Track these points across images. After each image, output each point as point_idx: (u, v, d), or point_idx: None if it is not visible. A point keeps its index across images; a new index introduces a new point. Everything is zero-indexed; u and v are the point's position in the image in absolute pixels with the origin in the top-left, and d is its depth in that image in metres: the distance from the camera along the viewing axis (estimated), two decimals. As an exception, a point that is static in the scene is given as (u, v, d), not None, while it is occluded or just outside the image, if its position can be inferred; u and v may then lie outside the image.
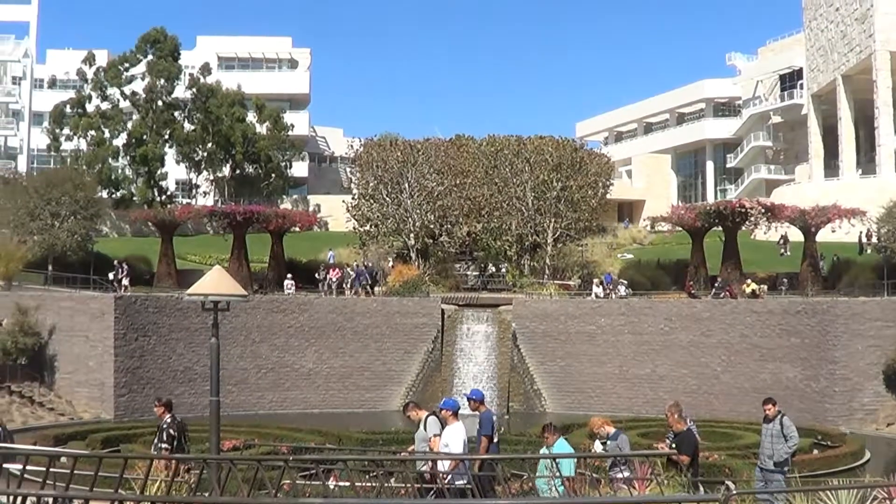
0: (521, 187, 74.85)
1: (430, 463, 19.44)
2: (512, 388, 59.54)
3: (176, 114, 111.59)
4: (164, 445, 22.39)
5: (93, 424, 48.06)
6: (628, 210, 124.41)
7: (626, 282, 67.71)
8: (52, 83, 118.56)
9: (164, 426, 22.69)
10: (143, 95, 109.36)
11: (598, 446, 23.34)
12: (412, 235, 74.51)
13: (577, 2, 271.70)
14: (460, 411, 20.37)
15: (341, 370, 61.18)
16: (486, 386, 59.06)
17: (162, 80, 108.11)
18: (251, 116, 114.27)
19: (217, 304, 20.01)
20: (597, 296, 65.08)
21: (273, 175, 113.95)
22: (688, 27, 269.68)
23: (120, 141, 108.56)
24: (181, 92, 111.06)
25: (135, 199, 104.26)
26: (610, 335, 60.11)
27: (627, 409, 56.09)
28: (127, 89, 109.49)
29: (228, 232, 75.68)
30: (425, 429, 20.12)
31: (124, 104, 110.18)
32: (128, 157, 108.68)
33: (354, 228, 79.24)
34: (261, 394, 59.26)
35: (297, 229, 79.59)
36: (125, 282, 65.64)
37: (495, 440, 21.01)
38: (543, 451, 20.29)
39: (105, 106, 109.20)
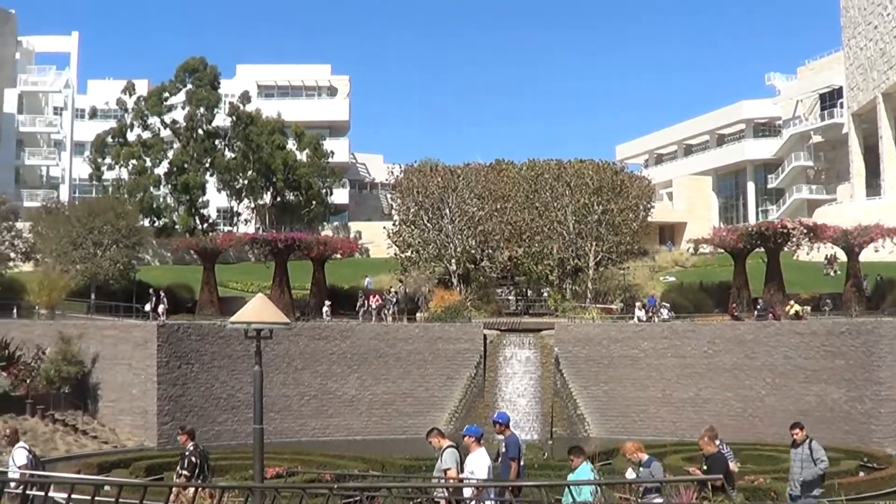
0: (561, 211, 74.69)
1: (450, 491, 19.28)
2: (555, 412, 59.19)
3: (216, 142, 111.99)
4: (184, 472, 22.68)
5: (136, 452, 48.07)
6: (670, 232, 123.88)
7: (668, 305, 67.41)
8: (94, 113, 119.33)
9: (187, 454, 22.99)
10: (184, 124, 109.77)
11: (630, 473, 23.12)
12: (453, 261, 74.37)
13: (616, 26, 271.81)
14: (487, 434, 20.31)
15: (384, 396, 61.08)
16: (528, 411, 59.04)
17: (202, 109, 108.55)
18: (291, 144, 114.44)
19: (260, 332, 19.97)
20: (639, 319, 64.81)
21: (314, 202, 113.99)
22: (727, 48, 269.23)
23: (161, 169, 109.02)
24: (221, 120, 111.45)
25: (177, 227, 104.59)
26: (653, 359, 59.83)
27: (671, 432, 55.63)
28: (167, 118, 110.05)
29: (270, 259, 75.91)
30: (440, 460, 20.00)
31: (165, 133, 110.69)
32: (169, 186, 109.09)
33: (395, 254, 79.13)
34: (304, 421, 59.19)
35: (339, 256, 79.61)
36: (161, 310, 65.71)
37: (521, 463, 20.82)
38: (571, 476, 20.15)
39: (146, 135, 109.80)
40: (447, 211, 74.91)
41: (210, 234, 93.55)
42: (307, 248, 73.79)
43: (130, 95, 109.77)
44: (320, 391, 60.17)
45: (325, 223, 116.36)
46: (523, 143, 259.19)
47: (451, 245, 74.30)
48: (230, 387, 56.85)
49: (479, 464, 19.36)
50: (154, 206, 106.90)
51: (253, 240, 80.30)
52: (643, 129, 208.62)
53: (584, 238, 74.45)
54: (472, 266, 76.10)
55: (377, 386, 61.19)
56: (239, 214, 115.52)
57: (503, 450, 20.52)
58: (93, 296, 69.67)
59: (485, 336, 62.90)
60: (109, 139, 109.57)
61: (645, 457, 22.23)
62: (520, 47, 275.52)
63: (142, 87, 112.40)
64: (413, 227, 76.84)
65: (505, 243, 76.01)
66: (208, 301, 72.23)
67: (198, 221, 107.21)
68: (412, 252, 76.83)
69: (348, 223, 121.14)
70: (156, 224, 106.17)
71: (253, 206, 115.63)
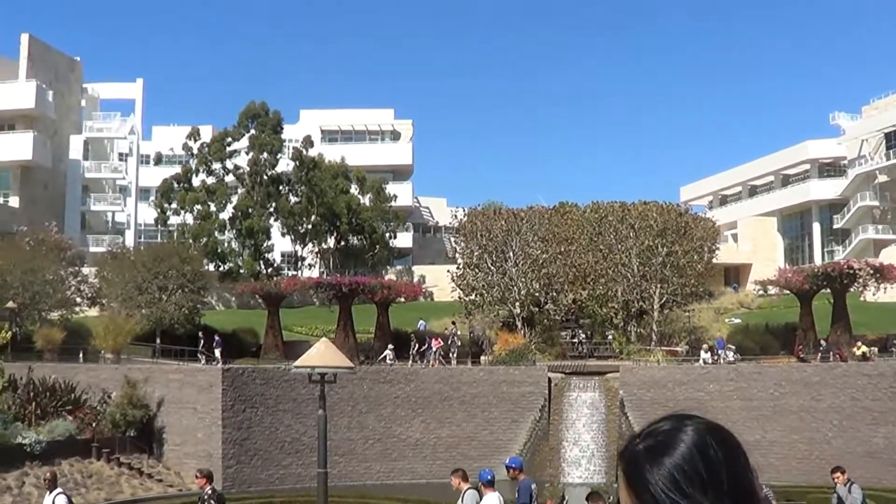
0: (626, 253, 74.48)
1: None
2: (620, 456, 58.74)
3: (280, 187, 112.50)
4: None
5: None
6: (735, 274, 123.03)
7: (734, 347, 66.97)
8: (159, 159, 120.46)
9: (206, 497, 23.64)
10: (247, 169, 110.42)
11: None
12: (517, 304, 74.29)
13: (677, 66, 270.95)
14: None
15: (448, 440, 60.90)
16: (594, 454, 58.67)
17: (265, 154, 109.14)
18: (354, 188, 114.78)
19: (324, 377, 20.07)
20: (705, 361, 64.32)
21: (377, 246, 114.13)
22: (791, 87, 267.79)
23: (226, 214, 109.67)
24: (285, 165, 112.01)
25: (241, 271, 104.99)
26: (719, 401, 59.21)
27: (738, 476, 55.05)
28: (231, 163, 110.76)
29: (334, 303, 76.21)
30: (461, 502, 19.96)
31: (229, 178, 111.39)
32: (234, 231, 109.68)
33: (460, 298, 79.06)
34: (368, 464, 59.09)
35: (403, 300, 79.80)
36: (217, 353, 66.08)
37: None
38: None
39: (210, 180, 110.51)
40: (511, 254, 74.98)
41: (274, 278, 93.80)
42: (371, 292, 74.12)
43: (195, 141, 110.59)
44: (385, 434, 60.09)
45: (388, 267, 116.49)
46: (587, 186, 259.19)
47: (515, 288, 74.26)
48: (295, 430, 56.91)
49: None
50: (219, 250, 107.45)
51: (317, 284, 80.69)
52: (708, 170, 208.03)
53: (648, 280, 74.17)
54: (537, 309, 75.96)
55: (442, 429, 61.06)
56: (303, 259, 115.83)
57: (516, 496, 20.65)
58: (158, 340, 70.16)
59: (549, 379, 62.60)
60: (175, 184, 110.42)
61: None
62: (582, 90, 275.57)
63: (206, 133, 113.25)
64: (477, 270, 76.95)
65: (569, 286, 75.85)
66: (273, 345, 72.67)
67: (262, 266, 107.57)
68: (476, 295, 76.84)
69: (412, 267, 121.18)
70: (220, 268, 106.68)
71: (317, 250, 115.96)
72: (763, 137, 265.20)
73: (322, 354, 20.60)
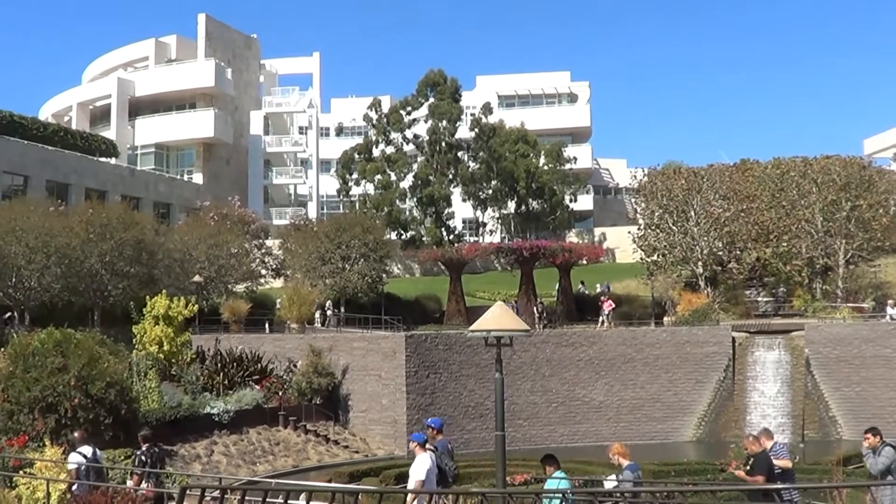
0: (809, 209, 73.33)
1: None
2: (806, 415, 57.79)
3: (459, 154, 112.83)
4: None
5: (386, 461, 48.83)
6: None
7: (921, 301, 65.41)
8: (339, 131, 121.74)
9: (141, 455, 25.78)
10: (427, 137, 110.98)
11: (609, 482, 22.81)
12: (700, 263, 73.67)
13: (859, 12, 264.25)
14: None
15: (632, 402, 60.77)
16: (779, 414, 57.88)
17: (444, 122, 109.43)
18: (533, 152, 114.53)
19: (500, 340, 20.20)
20: (892, 318, 62.95)
21: (558, 209, 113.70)
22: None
23: (406, 183, 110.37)
24: (463, 132, 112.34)
25: (423, 239, 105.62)
26: (906, 358, 58.13)
27: (928, 433, 53.96)
28: (410, 132, 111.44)
29: (516, 268, 76.58)
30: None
31: (408, 147, 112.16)
32: (414, 199, 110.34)
33: (641, 259, 78.70)
34: (552, 427, 59.25)
35: (584, 262, 79.65)
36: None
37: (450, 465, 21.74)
38: (550, 483, 20.94)
39: (390, 150, 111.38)
40: (692, 213, 74.35)
41: (456, 244, 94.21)
42: (552, 256, 74.18)
43: (376, 112, 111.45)
44: (568, 398, 60.20)
45: (569, 230, 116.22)
46: (768, 142, 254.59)
47: (697, 248, 73.66)
48: (478, 395, 57.33)
49: (415, 467, 20.23)
50: (400, 219, 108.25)
51: (498, 249, 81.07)
52: (892, 122, 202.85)
53: (832, 236, 72.93)
54: (719, 268, 75.26)
55: (625, 391, 60.95)
56: (484, 224, 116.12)
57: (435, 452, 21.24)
58: (342, 309, 71.18)
59: (733, 339, 61.97)
60: (356, 156, 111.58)
61: (626, 463, 21.70)
62: (764, 40, 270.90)
63: (384, 103, 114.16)
64: (658, 230, 76.52)
65: (752, 244, 74.96)
66: (455, 311, 73.24)
67: (444, 233, 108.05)
68: (658, 256, 76.35)
69: (593, 229, 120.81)
70: (403, 237, 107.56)
71: (497, 215, 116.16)
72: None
73: (497, 318, 20.75)
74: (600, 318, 68.37)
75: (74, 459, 24.01)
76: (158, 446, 28.55)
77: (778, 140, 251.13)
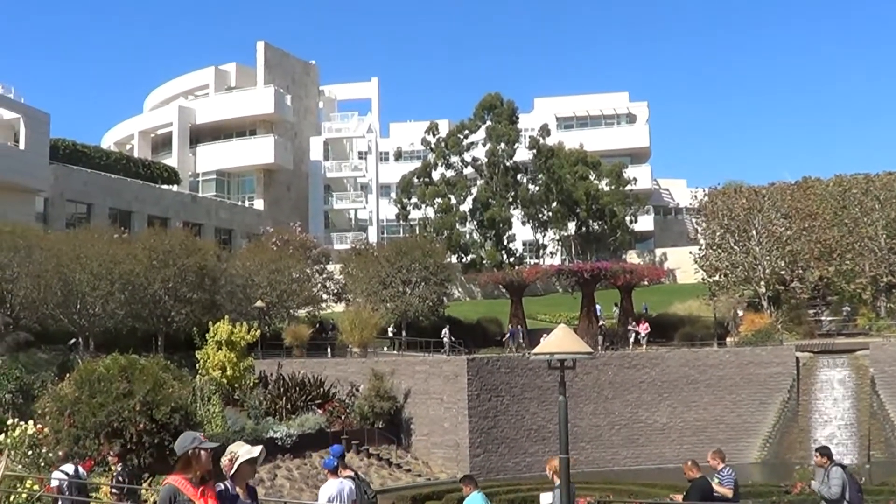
0: (872, 226, 72.78)
1: None
2: (872, 435, 57.11)
3: (519, 176, 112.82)
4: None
5: (449, 485, 48.58)
6: None
7: None
8: (399, 155, 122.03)
9: (117, 474, 25.69)
10: (485, 160, 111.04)
11: None
12: (762, 283, 73.15)
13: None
14: None
15: (695, 423, 60.27)
16: (845, 434, 57.21)
17: (502, 145, 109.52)
18: (593, 174, 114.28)
19: (563, 363, 20.03)
20: (958, 335, 62.21)
21: (618, 230, 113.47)
22: None
23: (466, 206, 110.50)
24: (522, 155, 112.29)
25: (484, 262, 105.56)
26: (974, 377, 57.35)
27: None
28: (468, 155, 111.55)
29: (577, 289, 76.35)
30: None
31: (467, 170, 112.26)
32: (475, 222, 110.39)
33: (703, 279, 78.24)
34: (615, 450, 58.91)
35: (646, 283, 79.32)
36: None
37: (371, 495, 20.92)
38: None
39: (449, 173, 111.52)
40: (754, 232, 73.92)
41: (517, 267, 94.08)
42: (613, 277, 73.90)
43: (434, 135, 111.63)
44: (631, 420, 59.84)
45: (630, 251, 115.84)
46: (830, 159, 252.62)
47: (759, 267, 73.15)
48: (540, 418, 57.10)
49: (321, 492, 19.59)
50: (461, 242, 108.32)
51: (559, 271, 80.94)
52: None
53: (896, 253, 72.29)
54: (782, 287, 74.67)
55: (688, 413, 60.48)
56: (545, 246, 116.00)
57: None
58: (403, 333, 71.24)
59: (797, 359, 61.30)
60: (414, 179, 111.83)
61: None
62: (822, 61, 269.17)
63: (443, 127, 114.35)
64: (720, 250, 76.09)
65: (815, 262, 74.31)
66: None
67: (504, 255, 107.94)
68: (720, 276, 75.87)
69: (654, 249, 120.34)
70: (463, 260, 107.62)
71: (558, 237, 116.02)
72: None
73: (560, 340, 20.47)
74: (631, 339, 68.24)
75: (57, 476, 25.23)
76: (132, 463, 29.43)
77: (839, 157, 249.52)
